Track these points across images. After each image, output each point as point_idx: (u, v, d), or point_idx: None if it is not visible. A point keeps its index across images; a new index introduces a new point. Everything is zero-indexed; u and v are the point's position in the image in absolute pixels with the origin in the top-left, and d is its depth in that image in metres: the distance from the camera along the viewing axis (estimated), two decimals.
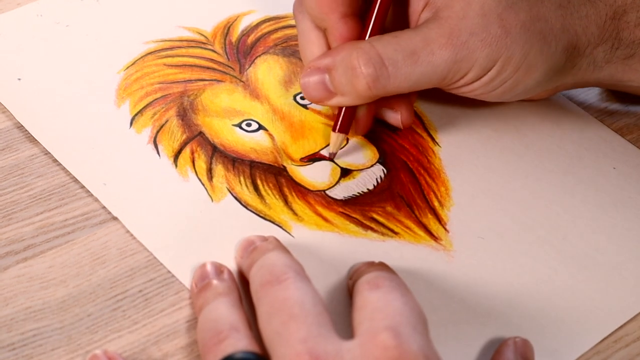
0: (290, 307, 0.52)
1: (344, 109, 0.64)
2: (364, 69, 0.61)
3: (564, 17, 0.62)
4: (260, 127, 0.67)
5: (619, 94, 0.71)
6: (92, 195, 0.63)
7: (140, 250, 0.60)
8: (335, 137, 0.65)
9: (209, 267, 0.58)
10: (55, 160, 0.65)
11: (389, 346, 0.50)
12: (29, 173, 0.64)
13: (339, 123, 0.64)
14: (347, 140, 0.66)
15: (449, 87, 0.64)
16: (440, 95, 0.69)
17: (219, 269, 0.58)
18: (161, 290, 0.59)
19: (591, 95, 0.72)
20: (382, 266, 0.58)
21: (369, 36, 0.63)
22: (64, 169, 0.64)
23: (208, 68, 0.71)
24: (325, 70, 0.63)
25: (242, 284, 0.58)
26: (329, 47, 0.64)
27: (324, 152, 0.66)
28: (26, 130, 0.66)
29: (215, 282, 0.57)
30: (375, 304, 0.53)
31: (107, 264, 0.60)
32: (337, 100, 0.63)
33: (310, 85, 0.63)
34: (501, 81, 0.63)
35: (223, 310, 0.55)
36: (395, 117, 0.66)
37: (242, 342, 0.53)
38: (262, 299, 0.54)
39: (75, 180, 0.64)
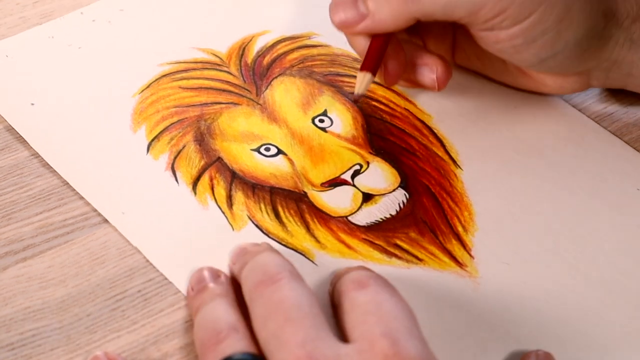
0: (286, 309, 0.51)
1: (373, 45, 0.62)
2: None
3: None
4: (279, 152, 0.66)
5: (618, 95, 0.70)
6: None
7: (139, 250, 0.60)
8: (362, 77, 0.63)
9: (205, 272, 0.58)
10: None
11: (388, 354, 0.49)
12: (28, 173, 0.64)
13: (366, 61, 0.63)
14: (368, 164, 0.66)
15: (487, 28, 0.62)
16: (460, 117, 0.68)
17: (216, 274, 0.58)
18: (160, 291, 0.59)
19: (590, 95, 0.71)
20: (363, 268, 0.57)
21: None
22: None
23: (224, 91, 0.70)
24: None
25: (237, 291, 0.57)
26: None
27: (346, 176, 0.65)
28: None
29: (212, 284, 0.57)
30: (365, 306, 0.52)
31: (106, 264, 0.60)
32: (369, 23, 0.61)
33: (339, 4, 0.61)
34: (542, 31, 0.61)
35: (221, 311, 0.54)
36: (431, 75, 0.64)
37: (241, 342, 0.52)
38: (256, 300, 0.53)
39: None
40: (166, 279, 0.59)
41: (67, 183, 0.64)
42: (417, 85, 0.67)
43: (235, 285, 0.58)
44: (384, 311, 0.51)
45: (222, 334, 0.52)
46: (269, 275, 0.54)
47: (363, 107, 0.69)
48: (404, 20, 0.62)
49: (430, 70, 0.65)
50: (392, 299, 0.52)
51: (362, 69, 0.63)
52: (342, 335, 0.53)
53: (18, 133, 0.66)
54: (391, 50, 0.64)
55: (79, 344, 0.56)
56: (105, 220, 0.62)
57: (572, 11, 0.61)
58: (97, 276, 0.59)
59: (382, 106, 0.69)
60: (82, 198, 0.63)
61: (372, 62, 0.63)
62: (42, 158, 0.65)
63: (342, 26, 0.62)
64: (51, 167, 0.65)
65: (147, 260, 0.60)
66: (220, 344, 0.52)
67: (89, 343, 0.56)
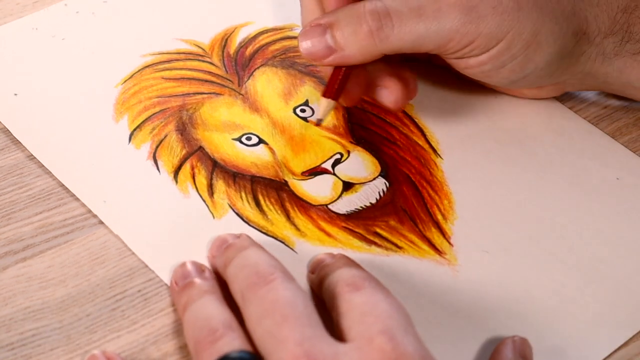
0: (281, 309, 0.52)
1: (336, 74, 0.62)
2: (370, 19, 0.60)
3: (575, 2, 0.62)
4: (261, 141, 0.66)
5: (617, 95, 0.71)
6: None
7: (121, 239, 0.61)
8: (324, 103, 0.63)
9: (189, 266, 0.58)
10: None
11: (386, 350, 0.50)
12: (28, 173, 0.64)
13: (329, 88, 0.63)
14: (349, 153, 0.66)
15: (457, 57, 0.62)
16: (441, 106, 0.69)
17: (200, 268, 0.58)
18: (160, 290, 0.59)
19: (589, 95, 0.71)
20: (345, 259, 0.58)
21: None
22: None
23: (206, 81, 0.70)
24: (326, 26, 0.61)
25: (221, 286, 0.57)
26: None
27: (326, 165, 0.65)
28: None
29: (198, 280, 0.57)
30: (362, 307, 0.52)
31: (106, 263, 0.60)
32: (336, 57, 0.61)
33: (308, 39, 0.62)
34: (511, 57, 0.62)
35: (213, 308, 0.54)
36: (390, 97, 0.63)
37: (237, 341, 0.52)
38: (250, 299, 0.53)
39: None
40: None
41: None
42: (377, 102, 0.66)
43: (219, 280, 0.58)
44: (380, 311, 0.52)
45: (218, 332, 0.52)
46: (262, 276, 0.54)
47: None
48: (371, 56, 0.62)
49: (389, 92, 0.64)
50: (387, 299, 0.53)
51: (324, 95, 0.63)
52: (338, 336, 0.53)
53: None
54: (353, 74, 0.63)
55: (78, 343, 0.56)
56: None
57: (540, 35, 0.61)
58: (97, 276, 0.59)
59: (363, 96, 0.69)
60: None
61: (334, 89, 0.63)
62: (22, 143, 0.65)
63: (310, 57, 0.62)
64: (36, 157, 0.65)
65: None
66: (217, 343, 0.52)
67: (88, 343, 0.56)
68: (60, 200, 0.63)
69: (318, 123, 0.64)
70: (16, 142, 0.66)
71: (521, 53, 0.62)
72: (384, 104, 0.64)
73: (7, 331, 0.56)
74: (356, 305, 0.53)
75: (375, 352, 0.50)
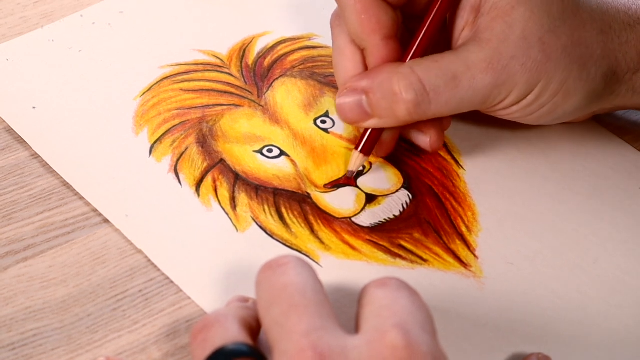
0: (290, 295, 0.50)
1: (370, 130, 0.63)
2: (405, 94, 0.60)
3: (605, 43, 0.62)
4: (282, 153, 0.66)
5: None
6: None
7: (140, 251, 0.60)
8: (357, 157, 0.64)
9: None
10: None
11: (398, 346, 0.48)
12: (29, 173, 0.64)
13: (362, 143, 0.64)
14: (371, 165, 0.66)
15: (488, 110, 0.63)
16: (462, 117, 0.68)
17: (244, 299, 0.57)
18: (161, 290, 0.59)
19: None
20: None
21: (410, 59, 0.62)
22: None
23: (226, 92, 0.70)
24: (362, 92, 0.62)
25: None
26: (364, 65, 0.63)
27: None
28: None
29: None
30: (382, 301, 0.51)
31: (107, 263, 0.60)
32: (373, 123, 0.62)
33: (346, 106, 0.62)
34: (539, 105, 0.62)
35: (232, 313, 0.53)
36: (425, 140, 0.64)
37: (230, 332, 0.51)
38: (261, 283, 0.52)
39: None
40: (167, 278, 0.59)
41: (68, 183, 0.64)
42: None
43: None
44: (400, 306, 0.50)
45: (211, 320, 0.52)
46: (276, 260, 0.52)
47: None
48: (407, 123, 0.63)
49: (423, 135, 0.65)
50: (411, 297, 0.51)
51: (357, 148, 0.64)
52: (356, 328, 0.51)
53: (16, 132, 0.67)
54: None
55: (80, 343, 0.56)
56: (106, 220, 0.62)
57: (568, 82, 0.61)
58: (98, 276, 0.59)
59: None
60: (82, 198, 0.63)
61: (369, 145, 0.64)
62: (41, 157, 0.65)
63: (350, 123, 0.64)
64: (51, 167, 0.65)
65: (148, 260, 0.60)
66: (210, 332, 0.51)
67: (90, 343, 0.56)
68: (61, 200, 0.63)
69: (350, 176, 0.65)
70: (17, 142, 0.66)
71: (549, 101, 0.62)
72: (419, 145, 0.65)
73: (8, 331, 0.57)
74: (377, 299, 0.51)
75: (387, 348, 0.48)
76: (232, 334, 0.51)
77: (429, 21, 0.62)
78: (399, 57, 0.62)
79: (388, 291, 0.51)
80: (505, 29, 0.60)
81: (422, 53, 0.62)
